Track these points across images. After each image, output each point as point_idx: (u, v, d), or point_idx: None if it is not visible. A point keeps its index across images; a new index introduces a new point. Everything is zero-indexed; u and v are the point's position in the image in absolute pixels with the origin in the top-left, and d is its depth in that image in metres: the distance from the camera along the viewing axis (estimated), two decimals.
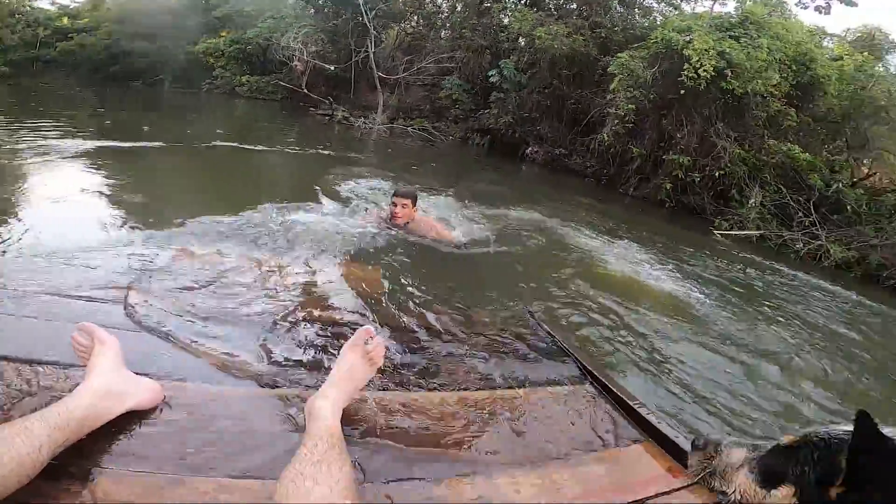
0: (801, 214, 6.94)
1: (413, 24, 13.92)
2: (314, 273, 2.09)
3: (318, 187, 4.43)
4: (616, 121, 8.43)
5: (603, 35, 9.98)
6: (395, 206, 3.36)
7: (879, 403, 2.74)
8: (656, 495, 1.01)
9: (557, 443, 1.14)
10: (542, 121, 10.04)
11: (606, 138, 8.46)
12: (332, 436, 0.82)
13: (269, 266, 2.02)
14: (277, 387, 1.13)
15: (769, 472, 0.87)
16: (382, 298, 1.97)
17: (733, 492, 0.93)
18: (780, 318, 3.83)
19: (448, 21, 13.10)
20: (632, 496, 0.99)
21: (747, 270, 5.33)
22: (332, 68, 12.54)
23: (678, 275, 4.30)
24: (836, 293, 5.28)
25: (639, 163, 8.28)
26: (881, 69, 9.51)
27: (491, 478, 0.96)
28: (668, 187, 7.67)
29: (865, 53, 8.95)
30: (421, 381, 1.30)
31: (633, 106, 8.17)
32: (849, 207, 6.99)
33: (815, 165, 7.41)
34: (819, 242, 6.60)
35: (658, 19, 10.72)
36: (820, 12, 10.69)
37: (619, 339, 2.62)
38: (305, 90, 12.54)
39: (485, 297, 2.65)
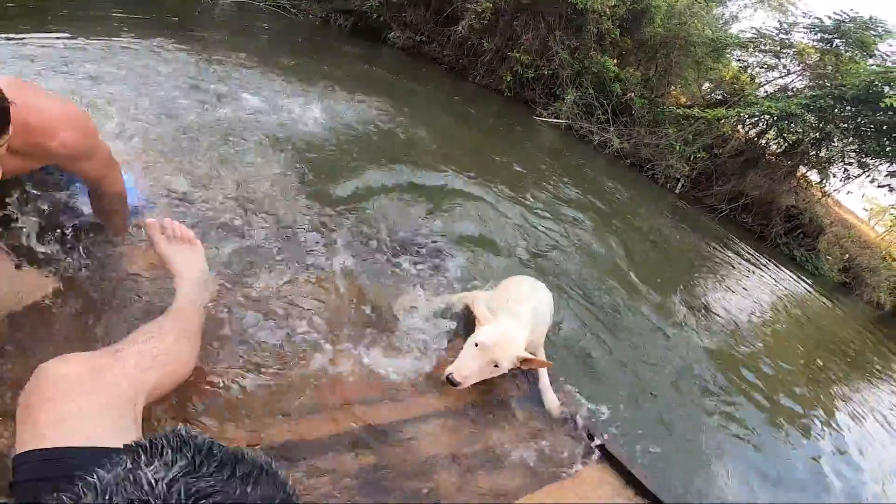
0: (599, 112, 8.65)
1: None
2: None
3: None
4: (473, 16, 9.10)
5: None
6: None
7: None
8: None
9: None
10: (409, 7, 10.22)
11: (462, 31, 9.12)
12: (177, 316, 1.01)
13: None
14: None
15: None
16: None
17: None
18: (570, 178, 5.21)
19: None
20: None
21: (552, 145, 6.77)
22: None
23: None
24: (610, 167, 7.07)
25: (489, 56, 9.18)
26: (719, 11, 11.22)
27: None
28: (508, 79, 8.77)
29: None
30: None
31: (491, 4, 8.87)
32: (633, 112, 8.91)
33: (619, 77, 9.11)
34: (607, 135, 8.41)
35: None
36: None
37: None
38: None
39: None
